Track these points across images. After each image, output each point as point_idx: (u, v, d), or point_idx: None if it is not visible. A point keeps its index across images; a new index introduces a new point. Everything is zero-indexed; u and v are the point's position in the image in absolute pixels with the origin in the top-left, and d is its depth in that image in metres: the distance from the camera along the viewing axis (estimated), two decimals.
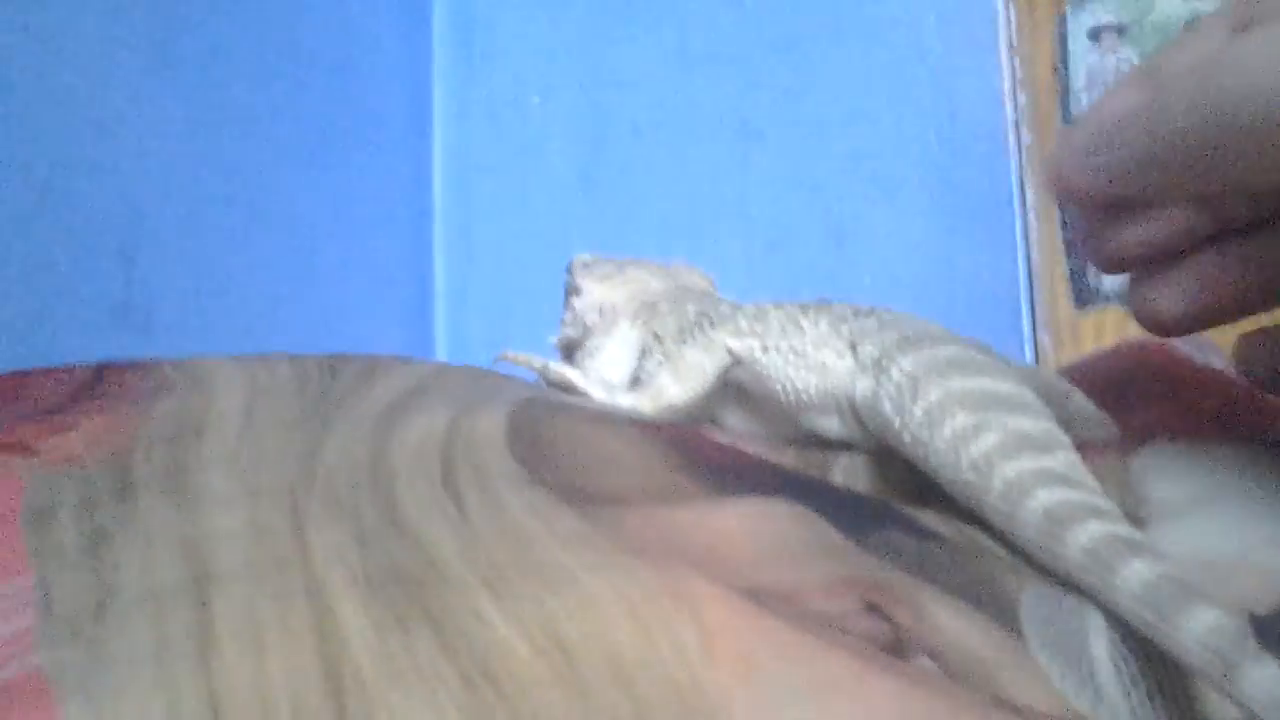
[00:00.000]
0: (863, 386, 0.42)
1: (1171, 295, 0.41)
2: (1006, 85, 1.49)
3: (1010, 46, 1.49)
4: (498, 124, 1.67)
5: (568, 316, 0.63)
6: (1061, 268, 1.50)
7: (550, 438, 0.38)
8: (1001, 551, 0.36)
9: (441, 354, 1.58)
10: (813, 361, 0.45)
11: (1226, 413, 0.46)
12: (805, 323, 0.47)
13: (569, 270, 0.67)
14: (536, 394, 0.44)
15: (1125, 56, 1.48)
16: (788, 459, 0.44)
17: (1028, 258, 1.45)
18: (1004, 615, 0.33)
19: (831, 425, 0.45)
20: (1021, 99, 1.48)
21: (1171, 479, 0.40)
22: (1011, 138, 1.46)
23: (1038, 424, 0.38)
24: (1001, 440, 0.36)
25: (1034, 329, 1.43)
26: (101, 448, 0.33)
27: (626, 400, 0.49)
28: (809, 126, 1.54)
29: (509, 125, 1.66)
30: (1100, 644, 0.31)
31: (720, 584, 0.31)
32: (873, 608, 0.32)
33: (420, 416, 0.37)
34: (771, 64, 1.57)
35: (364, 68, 1.49)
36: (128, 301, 1.03)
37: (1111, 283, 1.54)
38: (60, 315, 0.96)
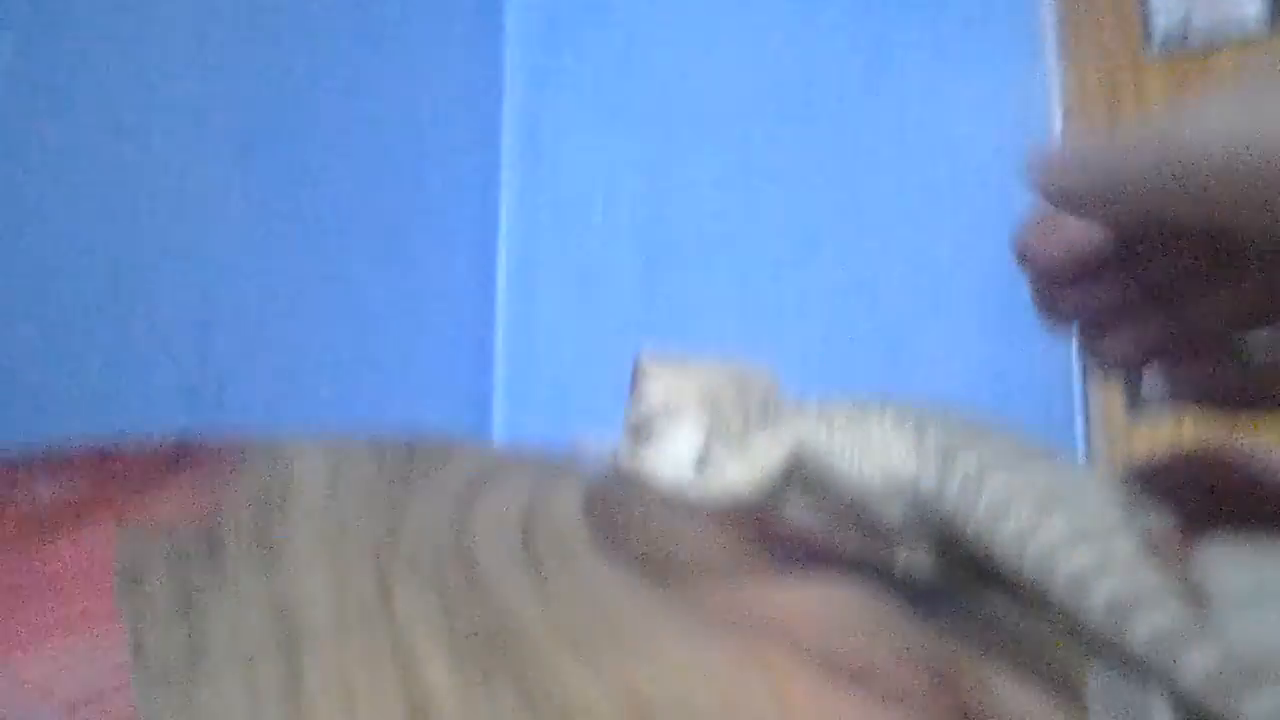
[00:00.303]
0: (927, 477, 0.42)
1: (1118, 341, 0.47)
2: None
3: None
4: (562, 230, 1.69)
5: (635, 405, 0.64)
6: (1115, 381, 1.50)
7: (626, 513, 0.38)
8: (1067, 637, 0.36)
9: (499, 441, 1.59)
10: (878, 451, 0.45)
11: None
12: (872, 413, 0.47)
13: (636, 360, 0.68)
14: (610, 475, 0.45)
15: None
16: (850, 546, 0.44)
17: (1082, 365, 1.45)
18: (1070, 696, 0.33)
19: (894, 514, 0.45)
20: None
21: (1231, 573, 0.40)
22: None
23: (1100, 514, 0.38)
24: (1064, 533, 0.36)
25: (1087, 434, 1.42)
26: (189, 513, 0.34)
27: (693, 485, 0.49)
28: (867, 237, 1.56)
29: (573, 231, 1.69)
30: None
31: (798, 657, 0.31)
32: (942, 683, 0.32)
33: (498, 491, 0.37)
34: (832, 177, 1.59)
35: (435, 173, 1.53)
36: (201, 381, 1.06)
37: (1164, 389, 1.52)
38: (136, 393, 0.99)
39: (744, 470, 0.48)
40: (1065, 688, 0.34)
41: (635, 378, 0.64)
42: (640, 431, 0.61)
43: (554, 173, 1.71)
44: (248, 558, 0.32)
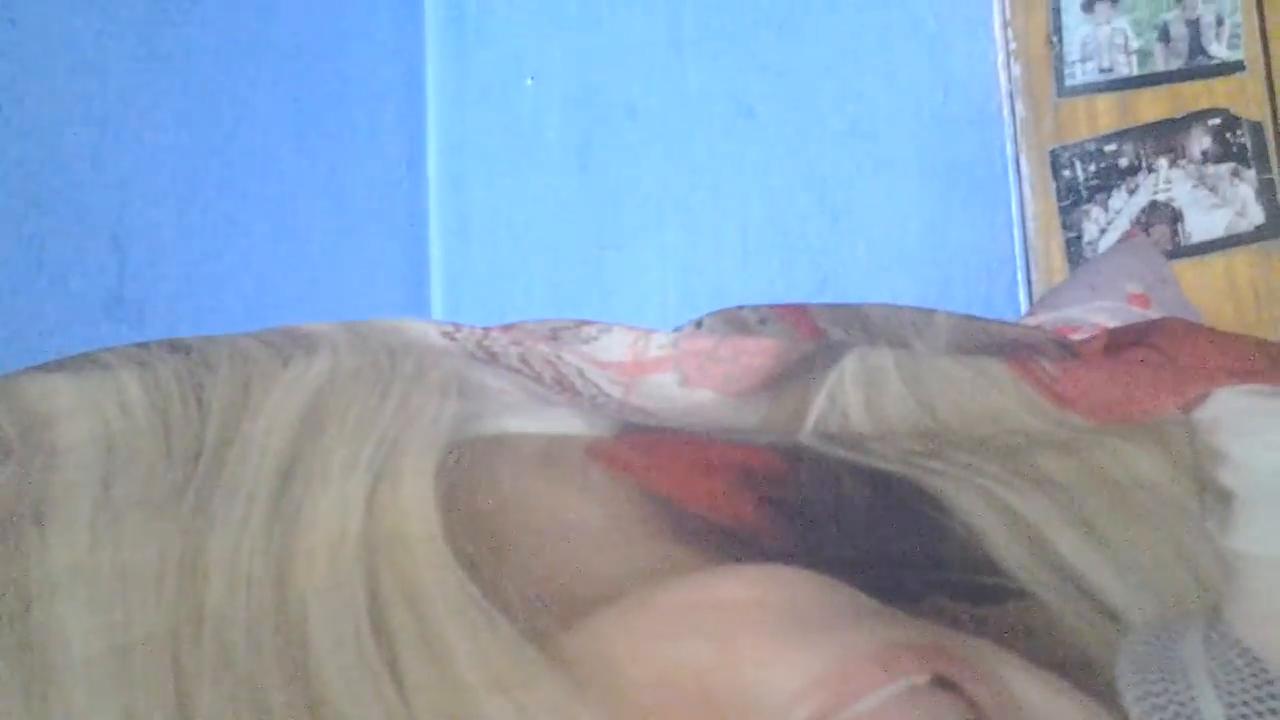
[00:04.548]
0: None
1: None
2: (1000, 57, 1.48)
3: (1003, 18, 1.49)
4: (491, 105, 1.66)
5: None
6: (1057, 238, 1.49)
7: (497, 515, 0.29)
8: (1087, 600, 0.31)
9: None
10: None
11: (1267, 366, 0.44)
12: None
13: None
14: (464, 421, 0.34)
15: (1119, 27, 1.47)
16: (759, 416, 0.39)
17: (1023, 229, 1.45)
18: (1096, 683, 0.28)
19: None
20: (1015, 70, 1.47)
21: (1246, 428, 0.37)
22: (1005, 109, 1.46)
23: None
24: None
25: (1030, 297, 1.42)
26: None
27: None
28: (802, 103, 1.54)
29: (503, 106, 1.66)
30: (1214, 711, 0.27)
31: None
32: (943, 682, 0.26)
33: (325, 494, 0.28)
34: (764, 42, 1.56)
35: (357, 52, 1.48)
36: (120, 293, 1.03)
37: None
38: (53, 307, 0.96)
39: None
40: (1093, 678, 0.29)
41: None
42: None
43: (481, 44, 1.67)
44: (8, 676, 0.24)
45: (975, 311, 0.58)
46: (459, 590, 0.26)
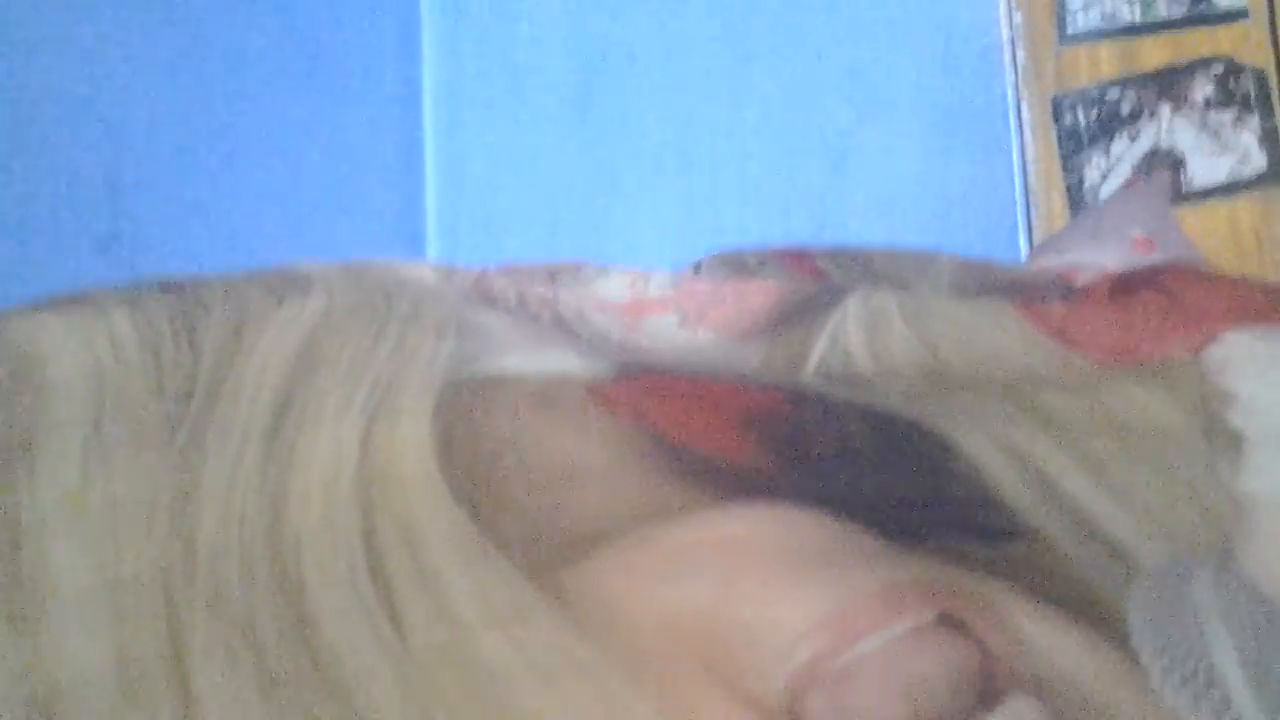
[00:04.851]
0: None
1: None
2: (1002, 4, 1.47)
3: None
4: (488, 51, 1.64)
5: None
6: (1057, 183, 1.50)
7: (495, 452, 0.29)
8: (1095, 541, 0.31)
9: None
10: None
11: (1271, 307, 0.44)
12: None
13: None
14: (462, 361, 0.33)
15: None
16: (760, 358, 0.39)
17: (1024, 174, 1.44)
18: (1104, 623, 0.28)
19: None
20: (1017, 18, 1.46)
21: (1255, 370, 0.38)
22: (1007, 56, 1.45)
23: None
24: None
25: (1030, 244, 1.42)
26: None
27: None
28: (803, 49, 1.53)
29: (500, 52, 1.64)
30: (1228, 658, 0.27)
31: (737, 705, 0.25)
32: (949, 621, 0.26)
33: (320, 431, 0.28)
34: None
35: None
36: (114, 232, 1.02)
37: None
38: (47, 247, 0.95)
39: None
40: (1103, 617, 0.29)
41: None
42: None
43: None
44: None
45: (977, 252, 0.57)
46: (456, 528, 0.25)
